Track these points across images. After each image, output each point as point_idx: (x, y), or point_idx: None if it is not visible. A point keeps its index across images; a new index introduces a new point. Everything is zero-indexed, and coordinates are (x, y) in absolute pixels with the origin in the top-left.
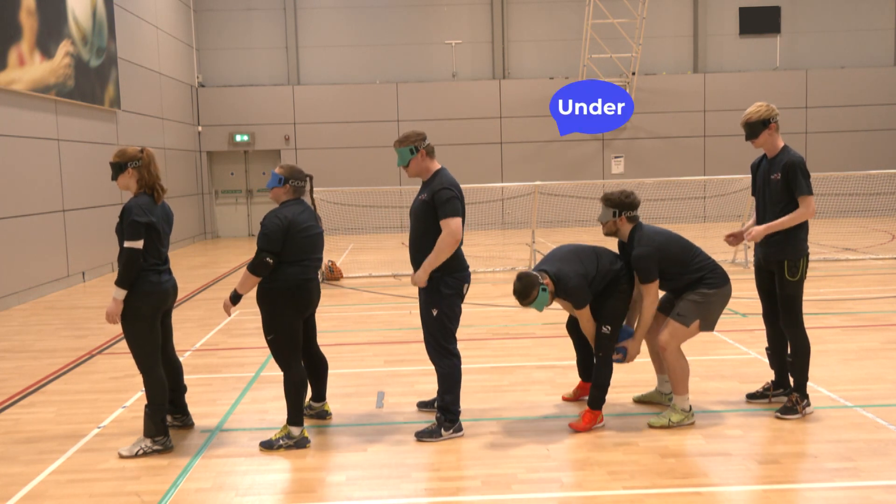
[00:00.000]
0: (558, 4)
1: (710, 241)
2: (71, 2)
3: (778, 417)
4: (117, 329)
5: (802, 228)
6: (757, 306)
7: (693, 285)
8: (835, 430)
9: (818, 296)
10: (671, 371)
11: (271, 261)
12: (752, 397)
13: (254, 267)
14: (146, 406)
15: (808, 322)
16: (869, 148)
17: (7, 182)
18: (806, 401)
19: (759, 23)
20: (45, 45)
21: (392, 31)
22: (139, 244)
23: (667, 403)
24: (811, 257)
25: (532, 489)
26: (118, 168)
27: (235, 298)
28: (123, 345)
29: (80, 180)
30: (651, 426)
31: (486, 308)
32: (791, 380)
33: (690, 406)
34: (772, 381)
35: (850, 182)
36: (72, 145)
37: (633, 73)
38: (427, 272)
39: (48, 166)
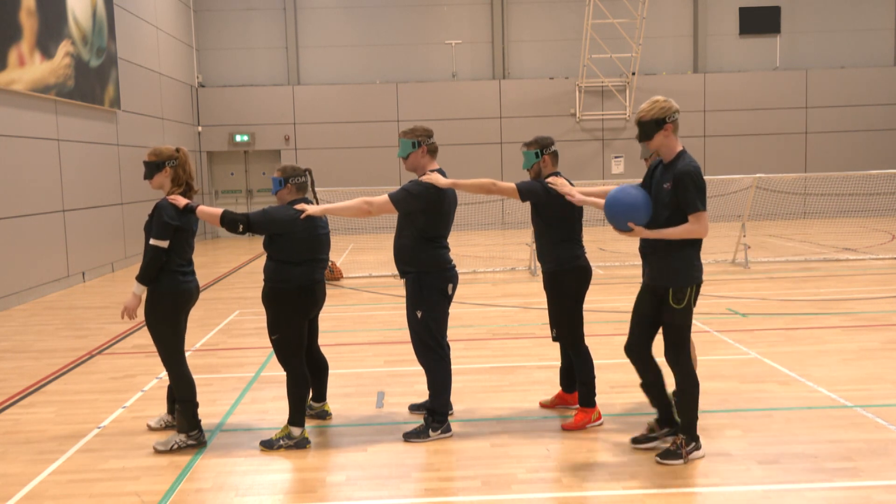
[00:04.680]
0: (558, 4)
1: (711, 241)
2: (71, 2)
3: (658, 463)
4: (117, 329)
5: (694, 253)
6: (757, 306)
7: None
8: (835, 430)
9: (818, 296)
10: None
11: (243, 230)
12: (636, 441)
13: (228, 221)
14: (177, 403)
15: (809, 322)
16: (869, 148)
17: (7, 182)
18: (693, 444)
19: (759, 23)
20: (45, 46)
21: (392, 31)
22: (165, 244)
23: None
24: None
25: (532, 489)
26: (155, 167)
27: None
28: (123, 345)
29: (80, 180)
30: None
31: (486, 308)
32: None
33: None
34: (655, 420)
35: (850, 182)
36: (72, 145)
37: (633, 73)
38: (321, 211)
39: (48, 166)
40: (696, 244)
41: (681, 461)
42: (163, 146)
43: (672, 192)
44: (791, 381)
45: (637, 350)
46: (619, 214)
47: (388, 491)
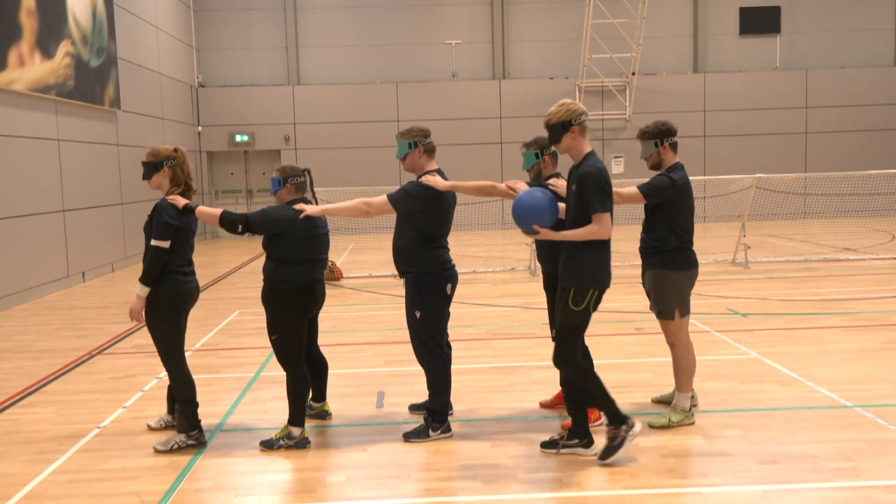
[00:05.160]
0: (558, 4)
1: (710, 240)
2: (71, 2)
3: (601, 464)
4: (117, 329)
5: (601, 255)
6: (757, 306)
7: (662, 257)
8: (835, 430)
9: (818, 296)
10: (677, 364)
11: (242, 230)
12: (545, 446)
13: (227, 222)
14: (177, 403)
15: (809, 322)
16: (869, 148)
17: (7, 182)
18: (625, 425)
19: (759, 23)
20: (45, 46)
21: (392, 31)
22: (166, 244)
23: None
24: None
25: (532, 489)
26: (153, 167)
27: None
28: (123, 345)
29: (80, 180)
30: (651, 426)
31: (486, 308)
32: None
33: (692, 406)
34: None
35: (850, 182)
36: (72, 145)
37: (633, 73)
38: (320, 211)
39: (48, 166)
40: (602, 246)
41: (623, 450)
42: (161, 146)
43: (577, 194)
44: (791, 381)
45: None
46: (523, 217)
47: (388, 491)
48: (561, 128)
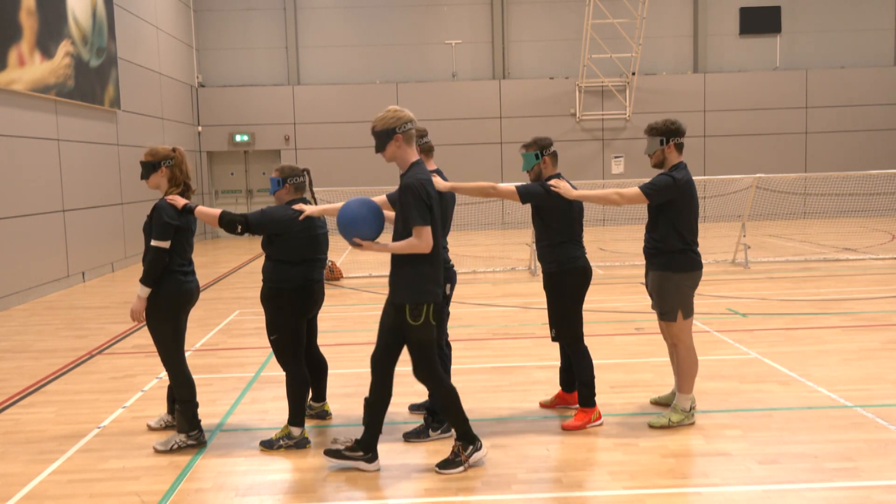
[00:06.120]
0: (558, 4)
1: (710, 240)
2: (71, 2)
3: (437, 472)
4: (117, 329)
5: (428, 269)
6: (757, 306)
7: (665, 259)
8: (835, 430)
9: (818, 296)
10: (679, 365)
11: (241, 230)
12: (329, 453)
13: (226, 222)
14: (177, 403)
15: (809, 322)
16: (869, 148)
17: (7, 182)
18: (472, 447)
19: (759, 23)
20: (45, 45)
21: (392, 31)
22: (166, 244)
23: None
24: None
25: (532, 489)
26: (151, 167)
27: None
28: (123, 345)
29: (80, 180)
30: (651, 426)
31: (486, 308)
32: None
33: (692, 406)
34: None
35: (850, 182)
36: (72, 145)
37: (633, 73)
38: (319, 211)
39: (48, 166)
40: (425, 260)
41: (461, 469)
42: (159, 146)
43: (399, 205)
44: (791, 381)
45: (379, 362)
46: (342, 230)
47: (388, 491)
48: (385, 135)
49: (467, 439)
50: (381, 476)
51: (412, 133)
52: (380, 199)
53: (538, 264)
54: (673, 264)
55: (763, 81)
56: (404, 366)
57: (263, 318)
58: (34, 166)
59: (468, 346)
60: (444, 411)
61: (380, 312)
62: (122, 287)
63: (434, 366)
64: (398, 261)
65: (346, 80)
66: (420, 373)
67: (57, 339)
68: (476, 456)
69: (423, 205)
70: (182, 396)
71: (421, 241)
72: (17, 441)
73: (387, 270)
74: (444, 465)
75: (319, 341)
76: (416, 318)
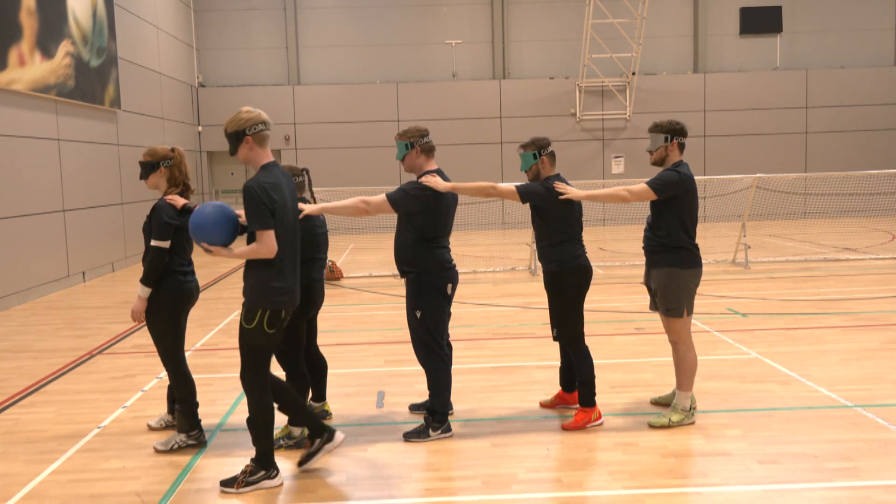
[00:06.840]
0: (558, 4)
1: (710, 240)
2: (71, 2)
3: (223, 492)
4: (118, 329)
5: (270, 274)
6: (757, 306)
7: (672, 255)
8: (835, 430)
9: (818, 296)
10: (679, 363)
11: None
12: (224, 484)
13: None
14: (177, 403)
15: (809, 322)
16: (869, 148)
17: (7, 182)
18: (263, 472)
19: (759, 22)
20: (46, 45)
21: (392, 31)
22: (166, 244)
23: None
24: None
25: (532, 489)
26: (150, 167)
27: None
28: (123, 345)
29: (80, 180)
30: (651, 426)
31: (486, 308)
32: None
33: (692, 406)
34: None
35: (850, 182)
36: (72, 145)
37: (633, 73)
38: (318, 210)
39: (48, 166)
40: (268, 265)
41: (233, 489)
42: (158, 146)
43: (244, 209)
44: (791, 381)
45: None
46: (191, 233)
47: (388, 491)
48: (235, 137)
49: (262, 464)
50: (381, 476)
51: (264, 135)
52: (379, 198)
53: (538, 264)
54: (679, 261)
55: (763, 81)
56: (405, 366)
57: None
58: (34, 166)
59: (468, 346)
60: (252, 424)
61: (380, 312)
62: (123, 287)
63: (260, 376)
64: (245, 265)
65: (347, 80)
66: (244, 377)
67: (57, 339)
68: (266, 484)
69: (264, 208)
70: (182, 396)
71: (261, 245)
72: (17, 441)
73: (387, 270)
74: (228, 483)
75: (319, 341)
76: (249, 322)
